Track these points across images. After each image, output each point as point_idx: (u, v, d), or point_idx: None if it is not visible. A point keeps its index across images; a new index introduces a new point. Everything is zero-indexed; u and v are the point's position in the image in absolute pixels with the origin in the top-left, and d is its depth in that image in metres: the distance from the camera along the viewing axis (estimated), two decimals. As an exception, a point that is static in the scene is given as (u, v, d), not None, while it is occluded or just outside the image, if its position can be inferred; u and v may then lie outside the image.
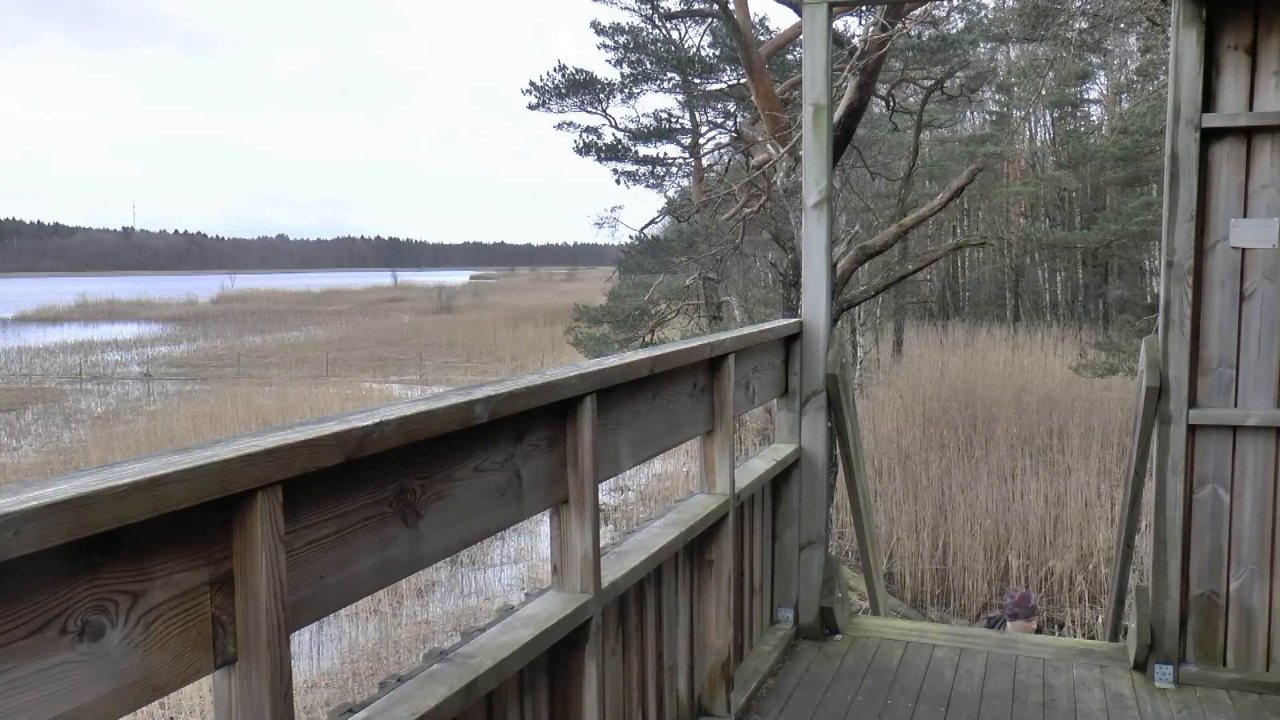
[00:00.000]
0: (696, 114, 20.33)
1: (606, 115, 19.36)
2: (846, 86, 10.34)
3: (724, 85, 18.39)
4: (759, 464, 3.96)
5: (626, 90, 18.89)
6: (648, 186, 21.23)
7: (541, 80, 18.44)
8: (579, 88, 18.40)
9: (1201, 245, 3.66)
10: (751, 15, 12.89)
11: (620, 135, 19.27)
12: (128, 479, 1.22)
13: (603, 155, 18.94)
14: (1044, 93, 21.57)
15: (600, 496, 2.45)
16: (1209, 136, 3.61)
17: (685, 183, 21.80)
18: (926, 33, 12.81)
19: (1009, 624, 6.14)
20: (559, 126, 19.76)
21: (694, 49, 18.07)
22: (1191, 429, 3.71)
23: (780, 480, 4.19)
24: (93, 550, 1.22)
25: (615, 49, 18.52)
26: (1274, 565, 3.70)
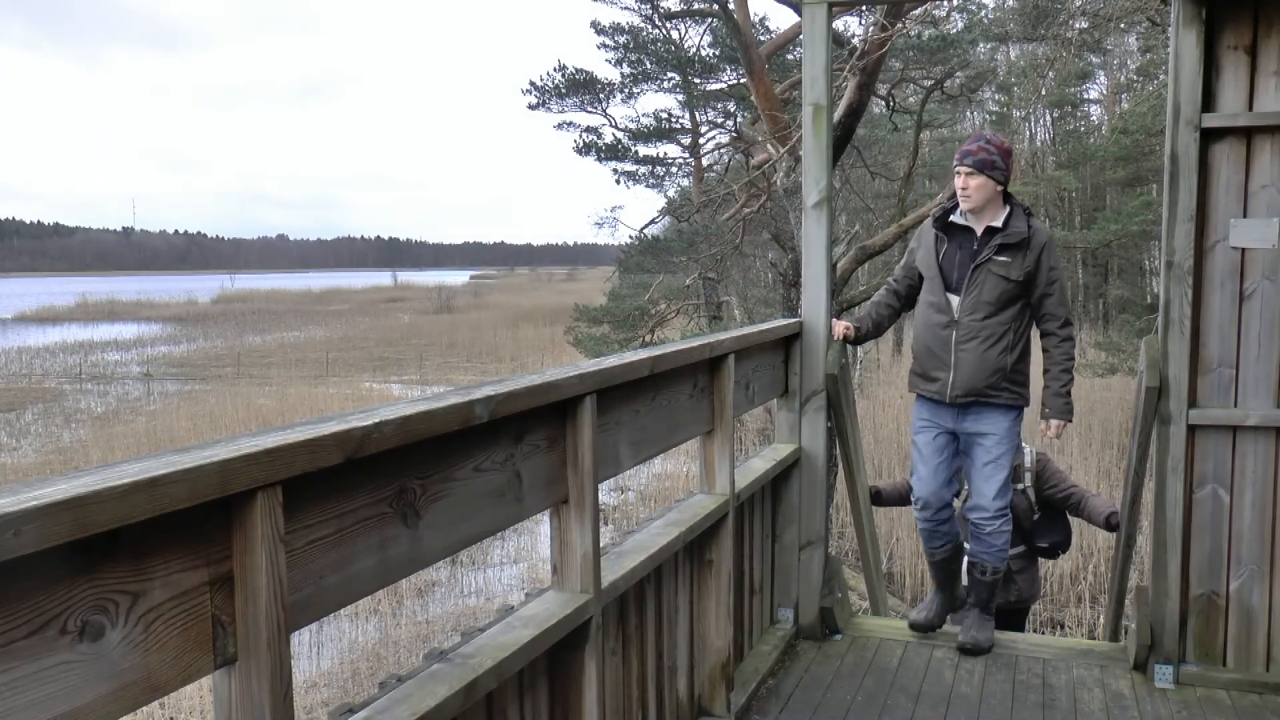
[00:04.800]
0: (696, 114, 20.37)
1: (606, 115, 19.42)
2: (846, 86, 10.33)
3: (724, 85, 18.41)
4: (759, 464, 3.96)
5: (626, 90, 18.94)
6: (648, 186, 21.29)
7: (541, 80, 18.50)
8: (579, 87, 18.43)
9: (1201, 245, 3.66)
10: (751, 15, 12.89)
11: (620, 135, 19.32)
12: (128, 479, 1.22)
13: (603, 155, 18.96)
14: (1044, 93, 21.54)
15: (600, 496, 2.45)
16: (1209, 136, 3.61)
17: (685, 183, 21.84)
18: (926, 33, 12.80)
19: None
20: (559, 126, 19.84)
21: (694, 49, 18.08)
22: (1191, 429, 3.71)
23: (780, 480, 4.19)
24: (93, 550, 1.22)
25: (615, 49, 18.55)
26: (1274, 565, 3.70)
